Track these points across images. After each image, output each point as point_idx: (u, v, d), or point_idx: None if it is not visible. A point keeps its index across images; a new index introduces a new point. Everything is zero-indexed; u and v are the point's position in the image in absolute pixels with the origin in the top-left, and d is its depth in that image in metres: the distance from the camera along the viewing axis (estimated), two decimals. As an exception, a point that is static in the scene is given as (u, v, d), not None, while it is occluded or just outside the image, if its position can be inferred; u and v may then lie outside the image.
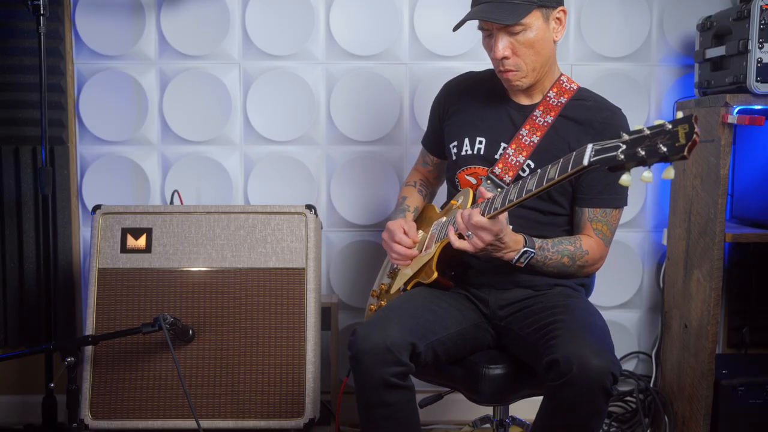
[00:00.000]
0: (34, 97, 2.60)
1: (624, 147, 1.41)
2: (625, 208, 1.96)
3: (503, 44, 1.84)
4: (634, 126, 1.47)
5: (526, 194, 1.63)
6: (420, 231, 2.08)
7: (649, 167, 1.38)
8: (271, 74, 2.68)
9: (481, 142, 1.97)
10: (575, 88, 1.95)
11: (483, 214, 1.71)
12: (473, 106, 2.02)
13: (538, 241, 1.83)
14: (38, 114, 2.57)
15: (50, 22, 2.56)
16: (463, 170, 2.01)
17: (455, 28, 1.87)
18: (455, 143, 2.02)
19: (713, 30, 2.44)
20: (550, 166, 1.61)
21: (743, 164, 2.56)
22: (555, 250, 1.84)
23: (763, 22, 2.22)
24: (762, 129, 2.44)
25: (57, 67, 2.62)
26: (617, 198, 1.91)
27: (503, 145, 1.94)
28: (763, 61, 2.22)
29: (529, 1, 1.80)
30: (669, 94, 2.71)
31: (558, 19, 1.87)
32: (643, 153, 1.38)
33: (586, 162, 1.48)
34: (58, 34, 2.61)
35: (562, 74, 1.98)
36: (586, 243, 1.88)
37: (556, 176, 1.56)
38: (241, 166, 2.73)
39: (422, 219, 2.17)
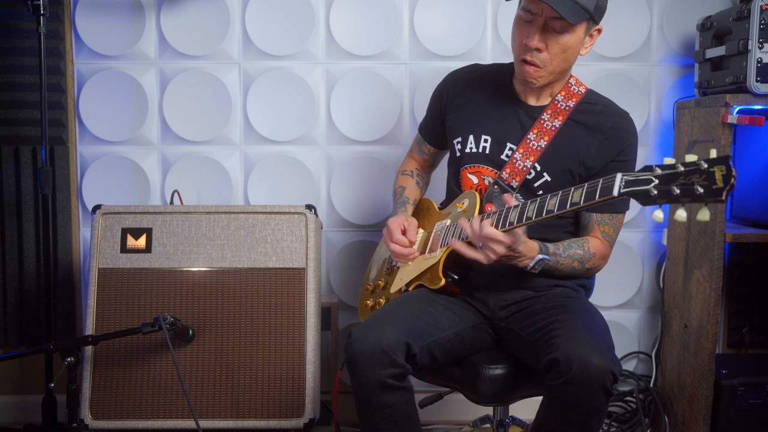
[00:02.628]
0: (34, 97, 2.60)
1: (656, 182, 1.40)
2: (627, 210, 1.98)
3: (542, 36, 1.80)
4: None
5: (546, 214, 1.63)
6: (420, 229, 2.07)
7: (682, 205, 1.37)
8: (271, 74, 2.68)
9: (486, 141, 1.96)
10: (583, 91, 1.94)
11: (496, 226, 1.71)
12: (479, 101, 2.01)
13: (551, 247, 1.83)
14: (38, 114, 2.57)
15: (50, 22, 2.57)
16: (467, 168, 2.00)
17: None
18: (459, 139, 2.01)
19: (713, 30, 2.44)
20: (573, 189, 1.59)
21: (743, 164, 2.56)
22: (566, 255, 1.85)
23: (763, 22, 2.22)
24: (762, 129, 2.44)
25: (57, 67, 2.62)
26: (623, 202, 1.92)
27: (509, 145, 1.93)
28: (763, 61, 2.22)
29: (587, 9, 1.77)
30: (669, 94, 2.71)
31: (591, 35, 1.87)
32: (677, 191, 1.36)
33: (615, 193, 1.47)
34: (58, 34, 2.62)
35: (571, 76, 1.97)
36: (593, 246, 1.90)
37: (582, 202, 1.55)
38: (241, 166, 2.73)
39: (421, 213, 2.16)
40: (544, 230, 1.89)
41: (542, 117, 1.90)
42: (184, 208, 2.39)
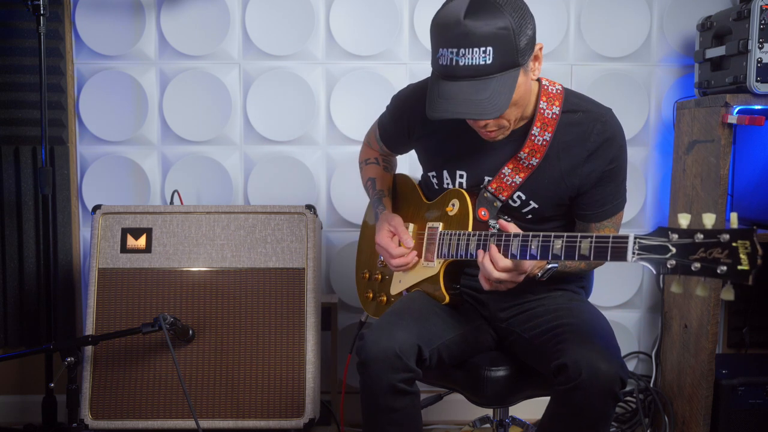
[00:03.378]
0: (34, 97, 2.60)
1: (674, 251, 1.31)
2: (625, 206, 1.90)
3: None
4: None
5: (552, 258, 1.56)
6: (410, 224, 1.99)
7: (703, 279, 1.28)
8: (271, 74, 2.68)
9: (462, 176, 1.86)
10: (560, 89, 1.79)
11: (500, 251, 1.63)
12: (450, 128, 1.84)
13: None
14: (38, 114, 2.57)
15: (50, 22, 2.56)
16: None
17: (433, 118, 1.63)
18: (434, 173, 1.91)
19: (713, 30, 2.44)
20: (580, 238, 1.50)
21: (743, 164, 2.56)
22: None
23: (763, 22, 2.22)
24: (762, 129, 2.44)
25: (57, 67, 2.62)
26: (620, 203, 1.85)
27: (487, 178, 1.83)
28: (763, 61, 2.22)
29: (513, 64, 1.58)
30: (669, 94, 2.71)
31: (535, 57, 1.66)
32: (697, 267, 1.27)
33: (629, 259, 1.39)
34: (58, 34, 2.61)
35: (540, 79, 1.77)
36: None
37: (591, 257, 1.49)
38: (241, 166, 2.73)
39: (405, 200, 2.07)
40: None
41: (532, 133, 1.75)
42: (184, 208, 2.39)
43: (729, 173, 2.28)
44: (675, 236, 1.31)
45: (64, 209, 2.67)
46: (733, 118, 2.24)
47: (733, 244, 1.24)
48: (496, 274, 1.63)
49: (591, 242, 1.48)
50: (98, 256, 2.34)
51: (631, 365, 2.82)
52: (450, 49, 1.57)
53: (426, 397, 2.20)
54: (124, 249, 2.35)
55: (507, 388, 1.85)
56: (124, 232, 2.36)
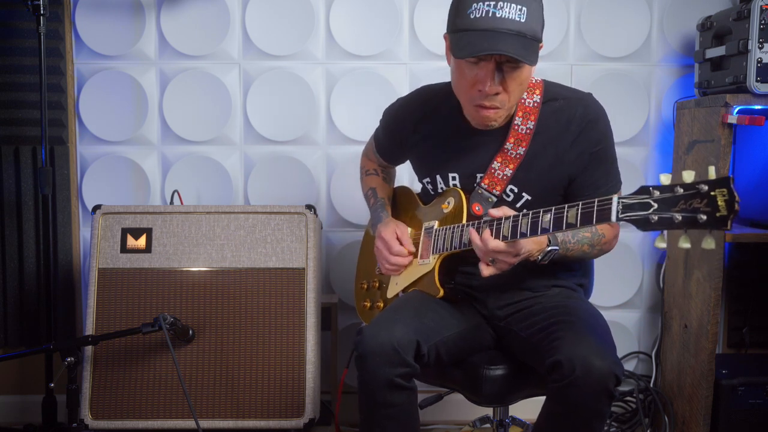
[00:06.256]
0: (34, 97, 2.60)
1: (656, 206, 1.34)
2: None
3: (499, 79, 1.68)
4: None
5: (541, 233, 1.59)
6: (409, 228, 2.03)
7: (685, 232, 1.32)
8: (271, 74, 2.68)
9: (455, 178, 1.90)
10: (538, 80, 1.84)
11: (492, 235, 1.67)
12: (436, 135, 1.91)
13: (560, 235, 1.77)
14: (38, 114, 2.57)
15: (50, 22, 2.57)
16: None
17: (464, 57, 1.66)
18: (428, 180, 1.95)
19: (713, 30, 2.45)
20: (567, 208, 1.53)
21: (743, 164, 2.56)
22: (575, 240, 1.80)
23: (763, 22, 2.22)
24: (762, 129, 2.44)
25: (57, 67, 2.62)
26: (614, 185, 1.87)
27: (479, 175, 1.86)
28: (763, 61, 2.22)
29: (537, 38, 1.67)
30: (669, 94, 2.71)
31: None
32: (679, 219, 1.31)
33: (613, 218, 1.41)
34: (58, 34, 2.62)
35: None
36: (601, 225, 1.81)
37: (578, 224, 1.51)
38: (241, 166, 2.73)
39: (402, 206, 2.11)
40: None
41: (515, 123, 1.80)
42: (184, 208, 2.39)
43: (729, 173, 2.28)
44: (657, 192, 1.36)
45: (64, 209, 2.67)
46: (733, 118, 2.24)
47: (712, 193, 1.28)
48: (492, 245, 1.65)
49: (577, 209, 1.51)
50: (98, 256, 2.35)
51: (631, 365, 2.82)
52: (487, 2, 1.62)
53: (426, 397, 2.20)
54: (124, 249, 2.36)
55: (505, 387, 1.86)
56: (124, 232, 2.36)
